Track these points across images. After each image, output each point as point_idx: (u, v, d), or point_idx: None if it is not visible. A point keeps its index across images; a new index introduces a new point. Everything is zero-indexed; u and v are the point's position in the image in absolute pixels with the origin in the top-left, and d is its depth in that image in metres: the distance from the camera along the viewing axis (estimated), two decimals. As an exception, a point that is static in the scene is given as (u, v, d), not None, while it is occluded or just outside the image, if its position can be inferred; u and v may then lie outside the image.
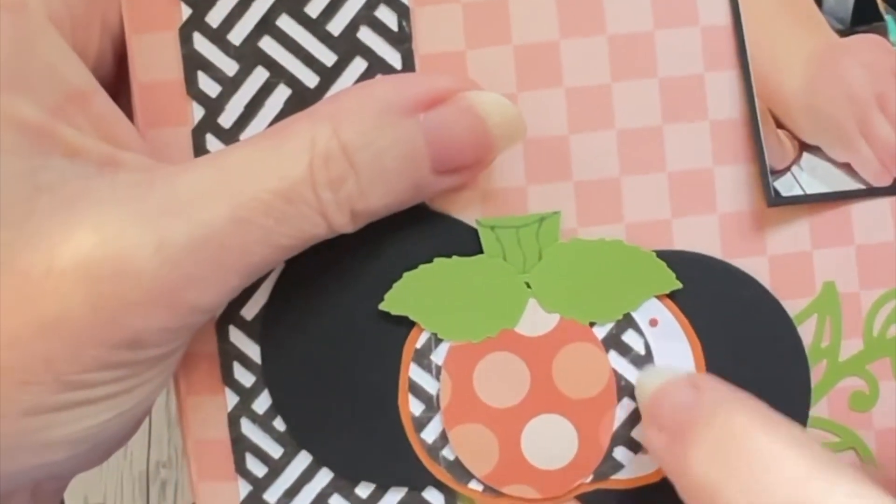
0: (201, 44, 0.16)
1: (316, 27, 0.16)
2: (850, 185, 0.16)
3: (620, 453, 0.16)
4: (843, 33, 0.17)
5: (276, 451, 0.16)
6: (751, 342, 0.16)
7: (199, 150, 0.16)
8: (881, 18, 0.17)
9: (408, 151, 0.14)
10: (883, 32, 0.17)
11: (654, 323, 0.16)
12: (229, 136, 0.16)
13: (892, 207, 0.17)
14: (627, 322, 0.16)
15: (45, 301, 0.13)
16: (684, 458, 0.13)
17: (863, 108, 0.16)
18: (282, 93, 0.16)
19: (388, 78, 0.15)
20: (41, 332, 0.13)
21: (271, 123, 0.16)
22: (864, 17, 0.17)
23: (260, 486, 0.16)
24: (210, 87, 0.16)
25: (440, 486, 0.16)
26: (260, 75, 0.16)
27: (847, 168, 0.17)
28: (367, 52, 0.16)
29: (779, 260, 0.16)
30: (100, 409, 0.14)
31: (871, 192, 0.16)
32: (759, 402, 0.14)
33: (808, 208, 0.16)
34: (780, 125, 0.16)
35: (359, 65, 0.16)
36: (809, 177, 0.16)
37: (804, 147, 0.16)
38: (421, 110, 0.14)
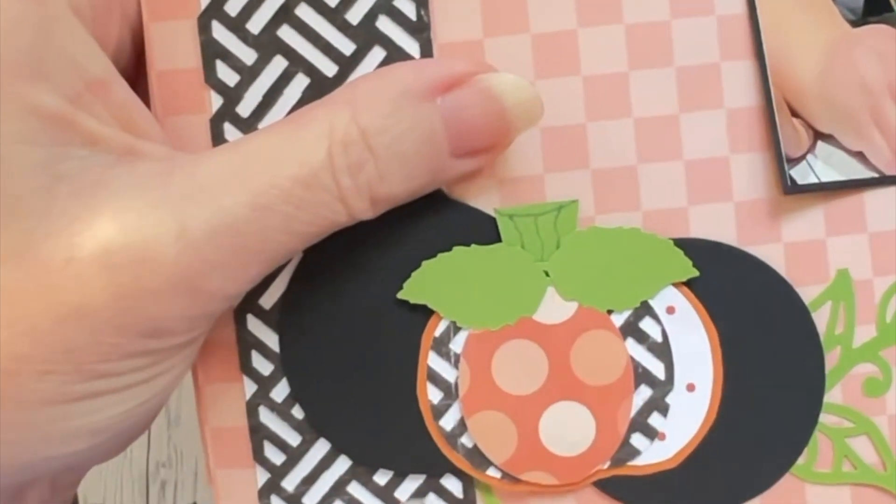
0: (220, 32, 0.16)
1: (334, 16, 0.16)
2: (864, 173, 0.17)
3: (637, 440, 0.16)
4: (856, 23, 0.17)
5: (294, 438, 0.16)
6: (766, 329, 0.16)
7: (217, 138, 0.16)
8: (891, 9, 0.17)
9: (426, 135, 0.14)
10: (893, 23, 0.17)
11: (671, 310, 0.16)
12: (247, 124, 0.16)
13: (903, 195, 0.17)
14: (645, 309, 0.16)
15: (66, 290, 0.13)
16: None
17: (875, 97, 0.16)
18: (300, 82, 0.16)
19: (405, 63, 0.15)
20: (62, 321, 0.13)
21: (289, 112, 0.16)
22: (875, 8, 0.17)
23: (278, 473, 0.16)
24: (228, 76, 0.16)
25: (458, 472, 0.16)
26: (278, 64, 0.16)
27: (861, 156, 0.17)
28: (386, 41, 0.16)
29: (793, 247, 0.16)
30: (120, 399, 0.14)
31: (884, 181, 0.17)
32: None
33: (822, 196, 0.17)
34: (795, 114, 0.16)
35: (377, 54, 0.16)
36: (824, 165, 0.16)
37: (819, 135, 0.17)
38: (438, 94, 0.14)
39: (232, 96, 0.16)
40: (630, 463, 0.16)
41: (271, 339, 0.16)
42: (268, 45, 0.16)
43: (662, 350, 0.16)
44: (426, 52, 0.16)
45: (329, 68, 0.16)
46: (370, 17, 0.16)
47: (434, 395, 0.16)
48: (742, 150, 0.16)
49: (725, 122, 0.16)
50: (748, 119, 0.16)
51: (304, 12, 0.16)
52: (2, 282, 0.13)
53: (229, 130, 0.16)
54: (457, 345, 0.16)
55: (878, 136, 0.16)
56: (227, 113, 0.16)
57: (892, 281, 0.17)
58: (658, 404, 0.16)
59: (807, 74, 0.16)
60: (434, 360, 0.16)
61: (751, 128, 0.16)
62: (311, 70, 0.16)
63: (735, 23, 0.16)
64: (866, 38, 0.17)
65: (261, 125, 0.16)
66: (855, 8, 0.17)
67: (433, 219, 0.16)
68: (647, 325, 0.16)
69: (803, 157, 0.17)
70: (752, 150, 0.16)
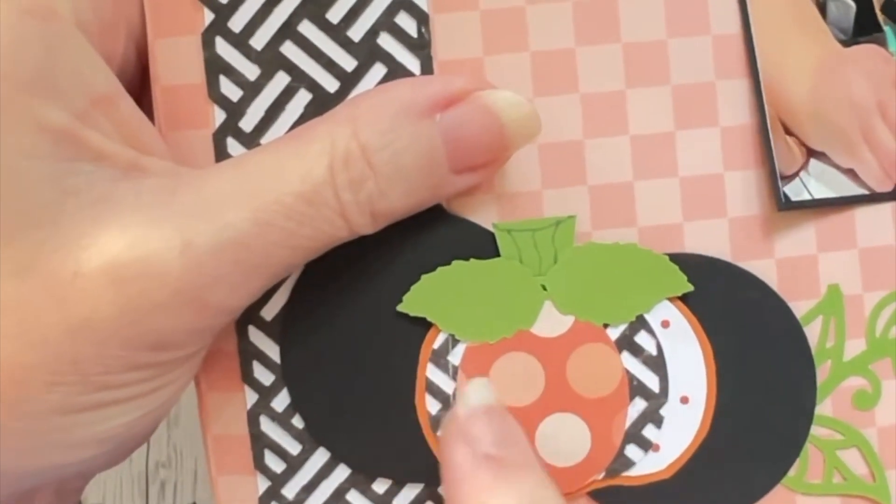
0: (223, 48, 0.16)
1: (337, 33, 0.16)
2: (855, 190, 0.17)
3: (632, 451, 0.17)
4: (846, 43, 0.17)
5: (294, 447, 0.17)
6: (759, 342, 0.17)
7: (221, 153, 0.16)
8: (881, 29, 0.17)
9: (426, 151, 0.15)
10: (882, 43, 0.17)
11: (665, 324, 0.17)
12: (250, 139, 0.16)
13: (893, 212, 0.17)
14: (640, 323, 0.17)
15: (73, 303, 0.13)
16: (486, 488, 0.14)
17: (865, 115, 0.17)
18: (302, 97, 0.16)
19: (404, 80, 0.16)
20: (69, 333, 0.13)
21: (292, 127, 0.16)
22: (864, 28, 0.17)
23: (278, 481, 0.17)
24: (231, 91, 0.16)
25: (456, 482, 0.17)
26: (281, 80, 0.16)
27: (852, 174, 0.17)
28: (387, 58, 0.16)
29: (786, 263, 0.17)
30: (125, 409, 0.14)
31: (875, 198, 0.17)
32: None
33: (814, 213, 0.17)
34: (788, 132, 0.17)
35: (378, 70, 0.16)
36: (817, 182, 0.17)
37: (811, 153, 0.17)
38: (437, 110, 0.15)
39: (235, 111, 0.16)
40: (625, 473, 0.17)
41: (272, 350, 0.17)
42: (271, 60, 0.16)
43: (657, 363, 0.17)
44: (426, 68, 0.16)
45: (331, 84, 0.16)
46: (371, 33, 0.16)
47: (432, 406, 0.17)
48: (736, 167, 0.17)
49: (720, 140, 0.17)
50: (742, 136, 0.17)
51: (307, 29, 0.16)
52: (11, 294, 0.13)
53: (232, 145, 0.16)
54: (455, 357, 0.17)
55: (869, 153, 0.17)
56: (230, 128, 0.16)
57: (881, 296, 0.17)
58: (652, 416, 0.17)
59: (799, 93, 0.17)
60: (432, 372, 0.17)
61: (745, 145, 0.17)
62: (313, 86, 0.16)
63: (730, 42, 0.16)
64: (857, 58, 0.17)
65: (263, 140, 0.16)
66: (845, 28, 0.17)
67: (433, 233, 0.16)
68: (642, 338, 0.17)
69: (796, 174, 0.17)
70: (747, 167, 0.17)
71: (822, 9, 0.17)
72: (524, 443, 0.15)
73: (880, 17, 0.17)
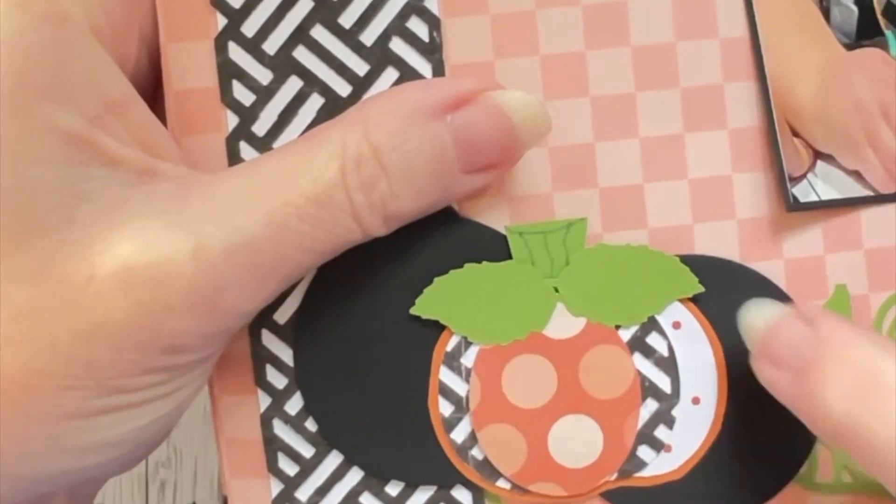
0: (236, 53, 0.16)
1: (349, 37, 0.16)
2: (861, 191, 0.17)
3: (644, 452, 0.17)
4: (849, 47, 0.17)
5: (307, 450, 0.17)
6: (769, 343, 0.17)
7: (233, 157, 0.16)
8: (882, 33, 0.18)
9: (437, 152, 0.15)
10: (884, 46, 0.17)
11: (677, 325, 0.17)
12: (263, 143, 0.16)
13: (897, 213, 0.17)
14: (652, 325, 0.17)
15: (87, 307, 0.13)
16: (820, 399, 0.14)
17: (868, 118, 0.17)
18: (315, 102, 0.16)
19: (415, 82, 0.16)
20: (83, 337, 0.13)
21: (304, 132, 0.16)
22: (867, 32, 0.17)
23: (292, 484, 0.17)
24: (244, 96, 0.16)
25: (468, 484, 0.17)
26: (294, 84, 0.16)
27: (857, 175, 0.17)
28: (399, 62, 0.16)
29: (794, 264, 0.17)
30: (139, 413, 0.14)
31: (881, 199, 0.17)
32: (883, 337, 0.14)
33: (821, 214, 0.17)
34: (795, 134, 0.17)
35: (390, 74, 0.16)
36: (824, 184, 0.17)
37: (818, 155, 0.17)
38: (448, 111, 0.15)
39: (248, 116, 0.16)
40: (637, 474, 0.17)
41: (285, 354, 0.17)
42: (283, 65, 0.16)
43: (669, 364, 0.17)
44: (438, 72, 0.16)
45: (343, 88, 0.16)
46: (384, 38, 0.16)
47: (445, 408, 0.17)
48: (745, 169, 0.17)
49: (729, 142, 0.17)
50: (750, 139, 0.17)
51: (319, 33, 0.16)
52: (23, 299, 0.13)
53: (245, 149, 0.16)
54: (468, 359, 0.17)
55: (872, 155, 0.17)
56: (242, 132, 0.16)
57: (887, 296, 0.17)
58: (664, 417, 0.17)
59: (805, 96, 0.17)
60: (445, 375, 0.17)
61: (753, 147, 0.17)
62: (325, 90, 0.16)
63: (737, 45, 0.17)
64: (860, 61, 0.17)
65: (276, 144, 0.16)
66: (848, 32, 0.17)
67: (445, 236, 0.16)
68: (653, 339, 0.17)
69: (804, 175, 0.17)
70: (755, 168, 0.17)
71: (826, 13, 0.17)
72: None
73: (882, 21, 0.18)
